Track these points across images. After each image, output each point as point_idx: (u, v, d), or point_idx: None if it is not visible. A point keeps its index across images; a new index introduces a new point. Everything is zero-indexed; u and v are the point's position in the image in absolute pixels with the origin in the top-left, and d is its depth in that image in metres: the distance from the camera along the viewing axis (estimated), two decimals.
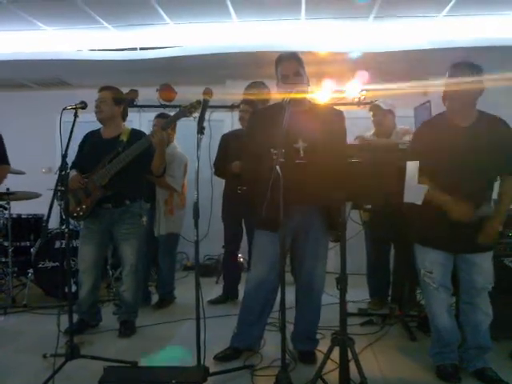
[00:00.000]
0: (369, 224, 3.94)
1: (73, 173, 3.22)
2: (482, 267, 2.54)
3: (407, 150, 2.81)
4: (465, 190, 2.42)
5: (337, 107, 5.12)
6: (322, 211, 2.69)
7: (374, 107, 3.90)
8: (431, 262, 2.58)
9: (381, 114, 3.85)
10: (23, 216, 4.49)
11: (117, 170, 3.11)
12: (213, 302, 4.05)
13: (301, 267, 2.81)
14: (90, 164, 3.20)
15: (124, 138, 3.22)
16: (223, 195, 4.15)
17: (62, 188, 2.65)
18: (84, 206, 3.19)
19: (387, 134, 3.86)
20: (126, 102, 3.40)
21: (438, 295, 2.59)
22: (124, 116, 3.37)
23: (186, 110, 3.07)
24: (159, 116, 4.03)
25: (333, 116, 2.75)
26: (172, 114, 3.31)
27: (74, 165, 3.31)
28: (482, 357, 2.59)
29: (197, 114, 3.01)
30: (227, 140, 4.13)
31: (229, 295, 4.16)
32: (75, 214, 3.22)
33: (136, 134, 3.27)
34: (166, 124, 3.23)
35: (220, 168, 4.09)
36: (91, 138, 3.36)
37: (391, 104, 3.92)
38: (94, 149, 3.24)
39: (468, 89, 2.41)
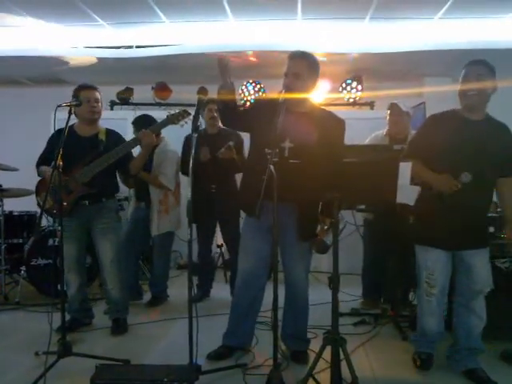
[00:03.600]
0: (371, 224, 3.94)
1: (46, 169, 3.18)
2: (480, 269, 2.55)
3: (411, 140, 2.82)
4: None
5: (333, 109, 5.15)
6: (296, 217, 2.67)
7: (392, 106, 3.88)
8: (433, 261, 2.60)
9: (397, 113, 3.83)
10: (16, 213, 4.47)
11: (102, 168, 3.11)
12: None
13: (283, 267, 2.83)
14: (69, 161, 3.05)
15: (102, 137, 3.25)
16: (192, 196, 4.09)
17: (50, 184, 2.64)
18: (65, 204, 3.16)
19: (400, 134, 3.84)
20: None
21: (430, 304, 2.64)
22: None
23: (173, 118, 3.14)
24: (137, 122, 3.96)
25: (331, 123, 2.71)
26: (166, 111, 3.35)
27: (43, 160, 3.26)
28: (473, 358, 2.61)
29: (183, 122, 3.07)
30: (190, 140, 4.07)
31: (204, 294, 4.20)
32: (55, 211, 3.17)
33: (113, 134, 3.33)
34: (154, 128, 3.27)
35: (185, 166, 3.97)
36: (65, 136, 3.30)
37: (408, 107, 3.93)
38: (70, 146, 3.07)
39: (485, 84, 2.48)
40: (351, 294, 4.05)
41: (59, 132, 3.19)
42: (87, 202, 3.21)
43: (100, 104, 3.27)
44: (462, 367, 2.62)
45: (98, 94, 3.25)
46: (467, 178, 2.43)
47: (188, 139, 4.09)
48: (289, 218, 2.63)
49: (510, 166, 2.57)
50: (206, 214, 3.99)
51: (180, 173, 4.12)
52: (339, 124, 2.73)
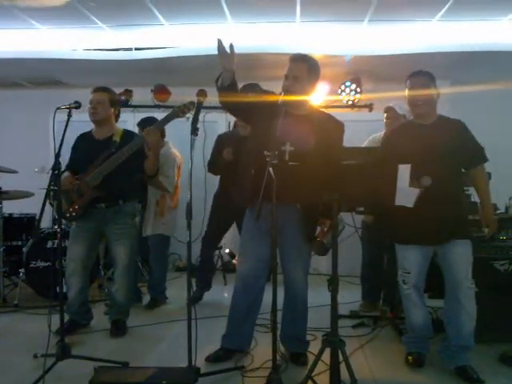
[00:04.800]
0: (370, 226, 3.93)
1: (66, 174, 3.21)
2: (458, 260, 2.62)
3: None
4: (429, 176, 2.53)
5: (331, 111, 5.11)
6: (298, 217, 2.67)
7: (388, 109, 3.89)
8: (410, 262, 2.73)
9: (393, 116, 3.85)
10: (15, 215, 4.48)
11: (110, 170, 3.10)
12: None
13: (283, 269, 2.83)
14: (83, 165, 3.19)
15: (117, 138, 3.22)
16: (216, 194, 4.12)
17: (55, 188, 2.64)
18: (76, 207, 3.19)
19: None
20: (119, 104, 3.40)
21: (410, 296, 2.77)
22: (116, 117, 3.38)
23: (178, 111, 3.08)
24: (142, 123, 3.97)
25: (330, 125, 2.72)
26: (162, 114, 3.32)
27: (68, 167, 3.31)
28: (463, 355, 2.64)
29: (190, 115, 3.03)
30: (222, 140, 4.13)
31: (204, 289, 4.16)
32: (68, 215, 3.22)
33: (128, 135, 3.28)
34: (159, 124, 3.23)
35: (212, 164, 4.02)
36: (84, 140, 3.36)
37: (405, 109, 3.92)
38: (86, 150, 3.23)
39: (427, 94, 2.68)
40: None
41: (80, 137, 3.25)
42: (103, 205, 3.20)
43: (103, 105, 3.22)
44: (451, 364, 2.65)
45: (99, 96, 3.22)
46: (427, 181, 2.51)
47: (220, 139, 4.13)
48: (288, 220, 2.64)
49: (472, 158, 2.73)
50: (225, 214, 3.99)
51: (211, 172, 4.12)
52: (338, 126, 2.74)
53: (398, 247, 2.80)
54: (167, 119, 3.20)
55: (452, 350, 2.67)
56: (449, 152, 2.60)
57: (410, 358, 2.80)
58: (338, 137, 2.70)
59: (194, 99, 2.53)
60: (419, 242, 2.68)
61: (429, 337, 2.85)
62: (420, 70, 2.76)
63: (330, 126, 2.70)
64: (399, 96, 4.70)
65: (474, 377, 2.53)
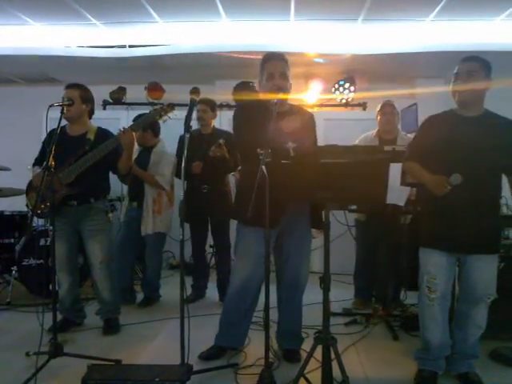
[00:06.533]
0: (363, 225, 3.96)
1: (37, 170, 3.20)
2: (482, 275, 2.45)
3: (410, 143, 2.79)
4: (465, 175, 2.33)
5: (326, 110, 5.15)
6: (307, 209, 2.72)
7: (387, 104, 3.86)
8: (435, 266, 2.48)
9: (391, 112, 3.84)
10: (7, 213, 4.45)
11: (84, 168, 3.08)
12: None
13: (286, 265, 2.81)
14: (58, 161, 3.04)
15: (91, 136, 3.20)
16: (185, 196, 4.07)
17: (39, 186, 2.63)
18: (49, 204, 3.14)
19: (391, 135, 3.84)
20: (92, 101, 3.35)
21: (431, 309, 2.51)
22: (90, 114, 3.34)
23: (155, 113, 3.06)
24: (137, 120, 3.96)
25: (309, 117, 2.84)
26: None
27: (38, 161, 3.30)
28: (467, 361, 2.58)
29: (167, 117, 3.03)
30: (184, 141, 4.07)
31: (198, 295, 4.19)
32: (39, 211, 3.20)
33: (103, 133, 3.26)
34: (135, 125, 3.21)
35: (179, 167, 3.98)
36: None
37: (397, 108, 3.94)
38: (59, 146, 3.15)
39: (476, 80, 2.42)
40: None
41: (52, 132, 3.20)
42: (75, 203, 3.19)
43: (74, 103, 3.11)
44: (454, 371, 2.58)
45: (69, 94, 3.13)
46: (457, 180, 2.31)
47: (182, 139, 4.09)
48: (300, 214, 2.70)
49: None
50: (198, 215, 3.99)
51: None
52: (311, 115, 2.87)
53: (422, 251, 2.57)
54: (144, 121, 3.20)
55: (454, 357, 2.58)
56: (490, 151, 2.37)
57: (420, 375, 2.56)
58: (314, 125, 2.83)
59: (188, 97, 2.51)
60: (445, 247, 2.45)
61: (446, 355, 2.59)
62: (473, 56, 2.48)
63: (307, 117, 2.82)
64: (393, 95, 4.75)
65: (478, 382, 2.45)
